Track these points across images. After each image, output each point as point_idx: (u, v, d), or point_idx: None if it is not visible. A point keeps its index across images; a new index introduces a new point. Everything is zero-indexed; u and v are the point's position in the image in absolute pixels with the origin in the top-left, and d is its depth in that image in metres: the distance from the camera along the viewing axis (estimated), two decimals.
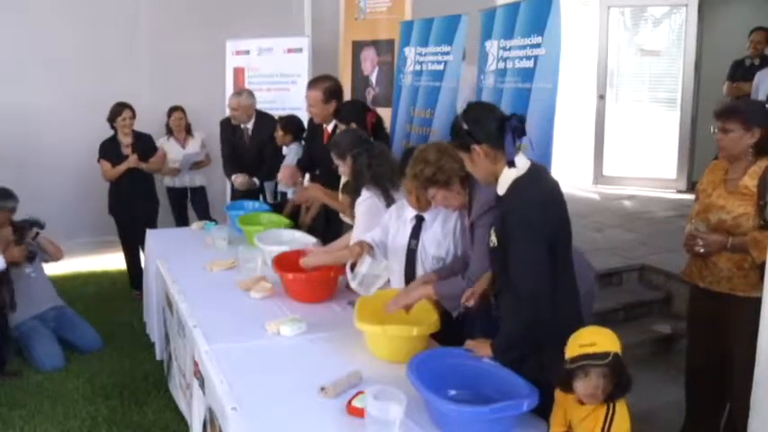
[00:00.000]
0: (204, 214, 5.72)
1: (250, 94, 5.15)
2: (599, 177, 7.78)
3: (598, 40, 7.74)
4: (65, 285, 4.89)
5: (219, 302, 3.16)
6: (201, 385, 2.59)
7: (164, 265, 3.73)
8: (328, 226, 4.15)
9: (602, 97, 7.75)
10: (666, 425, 3.43)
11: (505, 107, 3.51)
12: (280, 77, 6.10)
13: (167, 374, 3.75)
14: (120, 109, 5.16)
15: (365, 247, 2.89)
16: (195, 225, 4.74)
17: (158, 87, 5.98)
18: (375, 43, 5.24)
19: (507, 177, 2.19)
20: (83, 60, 5.96)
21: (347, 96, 5.25)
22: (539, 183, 2.20)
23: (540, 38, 3.45)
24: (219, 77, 6.20)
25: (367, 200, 3.19)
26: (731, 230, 2.67)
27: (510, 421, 2.02)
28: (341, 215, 3.78)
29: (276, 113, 5.53)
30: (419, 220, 2.89)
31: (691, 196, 3.16)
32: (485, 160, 2.21)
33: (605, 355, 1.84)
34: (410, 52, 4.60)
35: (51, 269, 4.67)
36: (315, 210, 4.36)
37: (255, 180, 4.98)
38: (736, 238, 2.65)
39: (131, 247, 5.33)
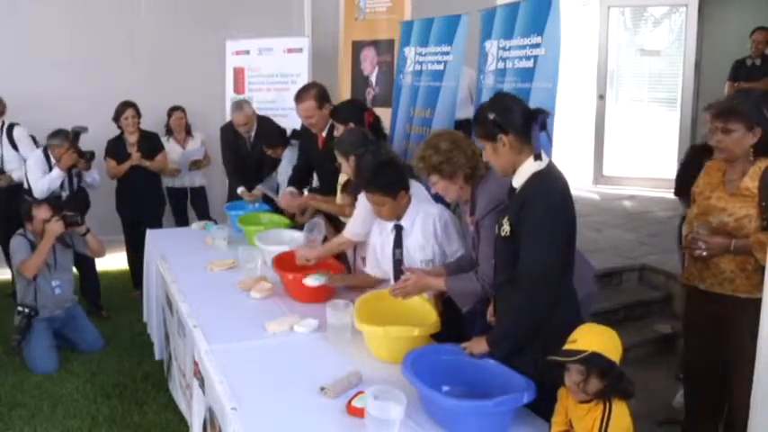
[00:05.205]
0: (204, 214, 5.73)
1: (248, 102, 5.23)
2: (599, 177, 7.78)
3: (598, 40, 7.73)
4: None
5: (219, 302, 3.16)
6: (201, 385, 2.59)
7: (164, 265, 3.73)
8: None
9: (602, 97, 7.75)
10: (666, 424, 3.45)
11: None
12: (280, 77, 6.09)
13: (167, 374, 3.75)
14: (122, 108, 5.21)
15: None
16: (195, 225, 4.74)
17: (158, 87, 5.97)
18: (375, 43, 5.24)
19: (527, 170, 2.20)
20: (83, 60, 5.96)
21: (347, 96, 5.27)
22: (557, 178, 2.22)
23: (539, 38, 3.45)
24: (219, 77, 6.20)
25: None
26: (734, 233, 2.64)
27: (509, 416, 2.03)
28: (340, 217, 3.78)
29: (276, 113, 5.54)
30: (398, 230, 2.91)
31: None
32: (509, 151, 2.22)
33: (576, 352, 1.86)
34: (410, 52, 4.60)
35: None
36: (310, 214, 4.35)
37: (258, 190, 4.94)
38: (740, 240, 2.61)
39: (136, 246, 5.32)
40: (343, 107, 3.93)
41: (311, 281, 3.03)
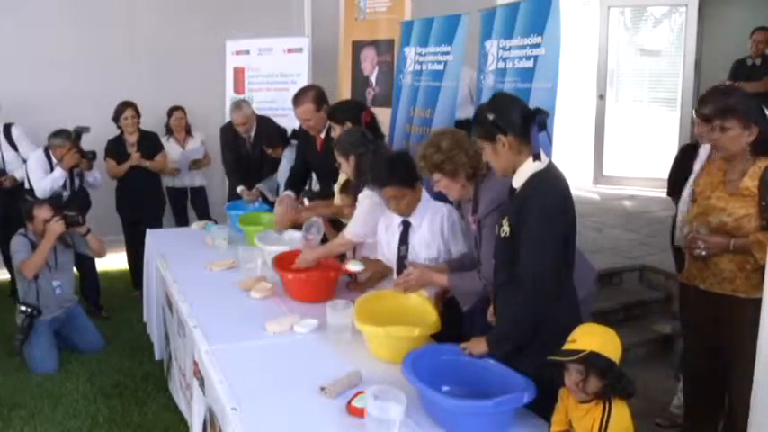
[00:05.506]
0: (204, 214, 5.73)
1: (247, 102, 5.24)
2: (599, 177, 7.79)
3: (598, 40, 7.74)
4: None
5: (219, 302, 3.16)
6: (201, 385, 2.59)
7: (164, 265, 3.74)
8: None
9: (602, 97, 7.75)
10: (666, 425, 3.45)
11: None
12: (280, 77, 6.09)
13: (167, 374, 3.76)
14: (122, 108, 5.22)
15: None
16: (195, 225, 4.74)
17: (158, 87, 5.98)
18: (375, 43, 5.24)
19: (527, 170, 2.19)
20: (83, 60, 5.96)
21: (347, 96, 5.27)
22: (558, 178, 2.21)
23: (539, 38, 3.45)
24: (219, 77, 6.20)
25: (372, 197, 3.18)
26: (733, 232, 2.64)
27: (509, 416, 2.03)
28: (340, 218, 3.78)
29: (276, 113, 5.54)
30: (406, 226, 2.91)
31: None
32: (508, 152, 2.21)
33: (575, 352, 1.87)
34: (410, 52, 4.60)
35: None
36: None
37: (257, 189, 4.95)
38: (739, 240, 2.62)
39: (136, 246, 5.33)
40: (340, 107, 3.92)
41: (353, 266, 3.09)
